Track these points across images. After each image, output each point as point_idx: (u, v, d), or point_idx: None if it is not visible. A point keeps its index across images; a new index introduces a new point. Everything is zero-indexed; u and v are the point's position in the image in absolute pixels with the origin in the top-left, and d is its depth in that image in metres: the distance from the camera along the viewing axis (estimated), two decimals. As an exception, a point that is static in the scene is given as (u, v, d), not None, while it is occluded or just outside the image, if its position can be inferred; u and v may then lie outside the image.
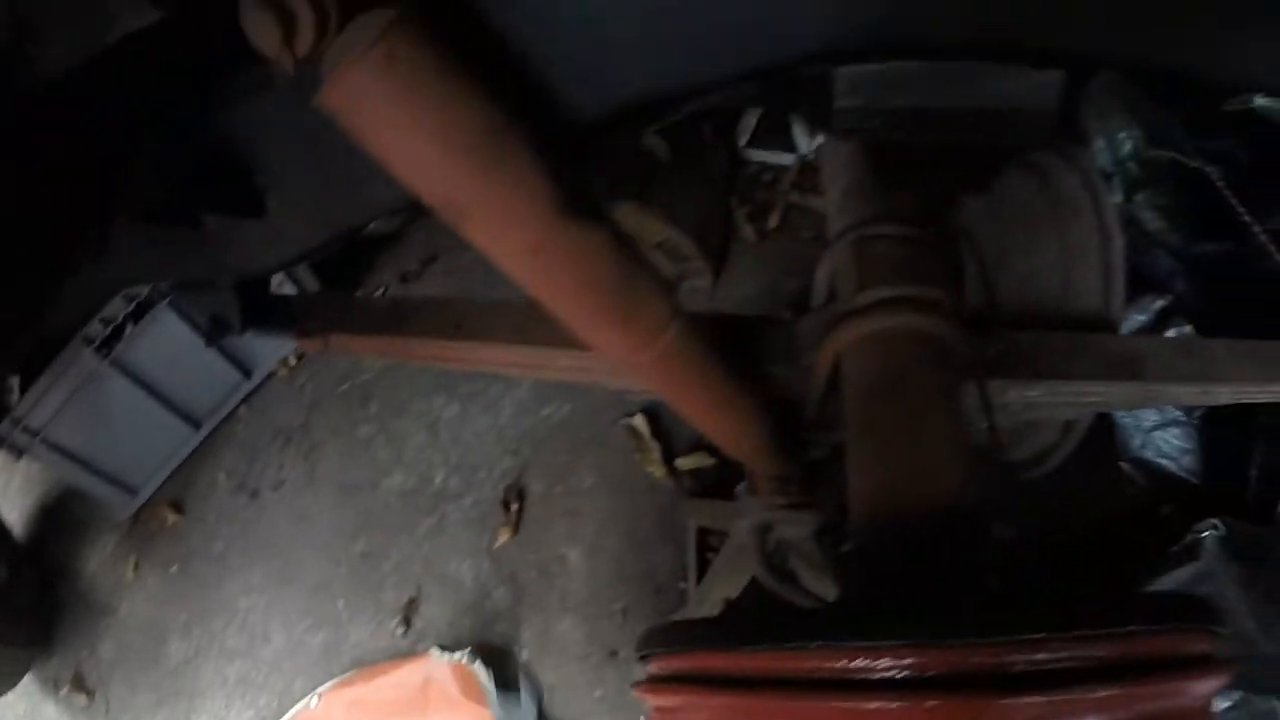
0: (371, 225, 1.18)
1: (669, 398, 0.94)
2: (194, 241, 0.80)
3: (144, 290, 2.27)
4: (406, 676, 2.03)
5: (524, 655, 2.11)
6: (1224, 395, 1.04)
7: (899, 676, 0.49)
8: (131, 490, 2.71)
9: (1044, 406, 1.09)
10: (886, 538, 0.78)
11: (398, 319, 1.05)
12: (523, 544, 2.26)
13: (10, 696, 2.51)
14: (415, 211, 0.76)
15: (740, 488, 1.42)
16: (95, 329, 2.24)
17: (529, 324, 1.00)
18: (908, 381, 0.88)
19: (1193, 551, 1.26)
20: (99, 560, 2.74)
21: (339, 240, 0.80)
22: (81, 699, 2.56)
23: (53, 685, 2.62)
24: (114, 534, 2.75)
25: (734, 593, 1.78)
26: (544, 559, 2.22)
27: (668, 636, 0.65)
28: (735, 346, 1.03)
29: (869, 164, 1.05)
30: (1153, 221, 1.47)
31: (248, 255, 0.85)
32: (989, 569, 0.74)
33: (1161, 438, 1.47)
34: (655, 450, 2.21)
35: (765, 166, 2.41)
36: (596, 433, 2.28)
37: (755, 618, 0.75)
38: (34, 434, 2.40)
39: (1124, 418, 1.51)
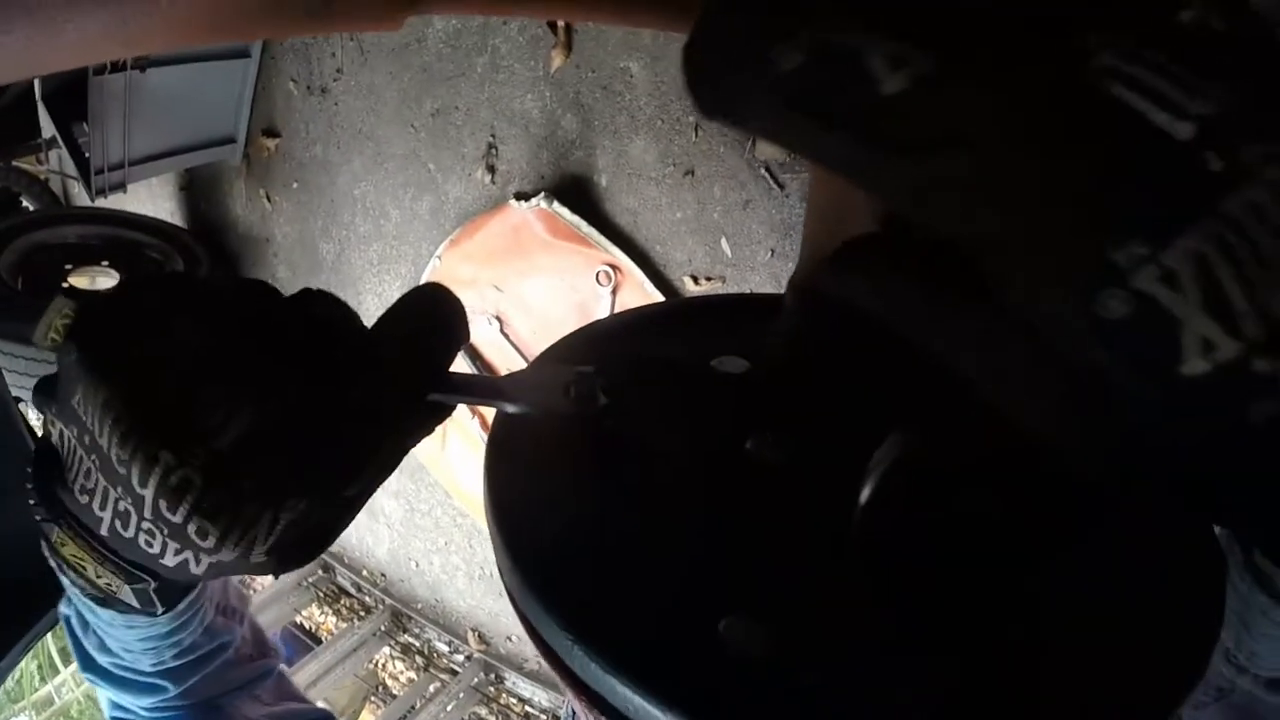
0: None
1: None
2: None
3: None
4: (498, 226, 2.03)
5: (603, 181, 2.00)
6: None
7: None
8: (230, 140, 2.74)
9: None
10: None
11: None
12: (580, 63, 2.01)
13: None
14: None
15: None
16: (104, 58, 2.07)
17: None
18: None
19: None
20: (241, 205, 2.91)
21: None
22: (280, 321, 2.92)
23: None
24: (239, 179, 2.87)
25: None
26: (605, 76, 1.97)
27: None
28: None
29: None
30: None
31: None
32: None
33: None
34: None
35: None
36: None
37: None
38: (119, 166, 2.39)
39: None
